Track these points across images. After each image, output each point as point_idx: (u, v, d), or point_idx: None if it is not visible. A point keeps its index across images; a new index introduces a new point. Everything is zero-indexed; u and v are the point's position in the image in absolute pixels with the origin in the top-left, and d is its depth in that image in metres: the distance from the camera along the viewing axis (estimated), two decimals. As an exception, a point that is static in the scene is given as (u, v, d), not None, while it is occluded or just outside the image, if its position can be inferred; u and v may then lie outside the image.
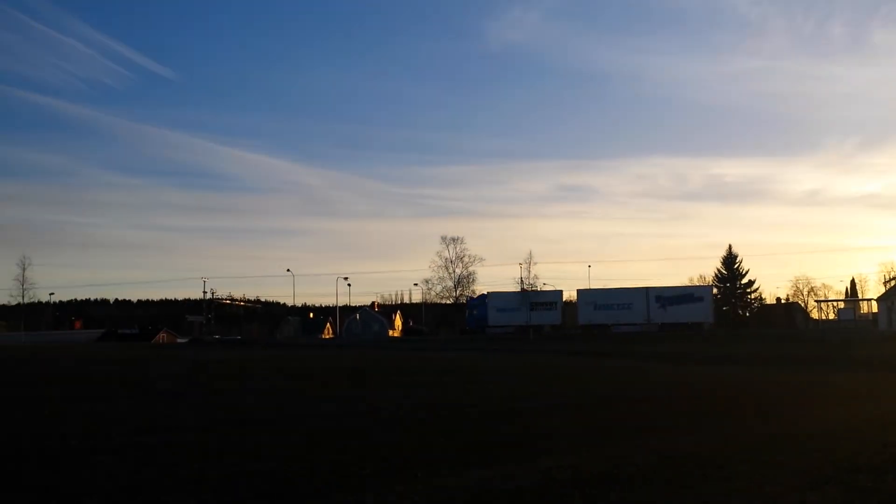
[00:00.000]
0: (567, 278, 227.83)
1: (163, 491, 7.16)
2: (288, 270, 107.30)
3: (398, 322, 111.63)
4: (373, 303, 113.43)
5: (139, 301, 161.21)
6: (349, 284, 76.91)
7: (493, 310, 75.10)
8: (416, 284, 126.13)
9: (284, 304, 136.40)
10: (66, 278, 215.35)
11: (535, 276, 77.89)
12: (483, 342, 59.14)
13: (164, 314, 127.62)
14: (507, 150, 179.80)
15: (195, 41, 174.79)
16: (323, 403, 15.41)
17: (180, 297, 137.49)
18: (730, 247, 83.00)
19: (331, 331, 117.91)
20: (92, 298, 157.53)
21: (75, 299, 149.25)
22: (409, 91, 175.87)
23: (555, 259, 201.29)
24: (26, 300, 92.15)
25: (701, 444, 9.98)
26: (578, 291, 75.94)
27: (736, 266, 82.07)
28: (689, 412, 13.74)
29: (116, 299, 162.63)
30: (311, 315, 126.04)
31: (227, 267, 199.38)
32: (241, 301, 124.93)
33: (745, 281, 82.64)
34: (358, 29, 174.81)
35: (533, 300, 71.82)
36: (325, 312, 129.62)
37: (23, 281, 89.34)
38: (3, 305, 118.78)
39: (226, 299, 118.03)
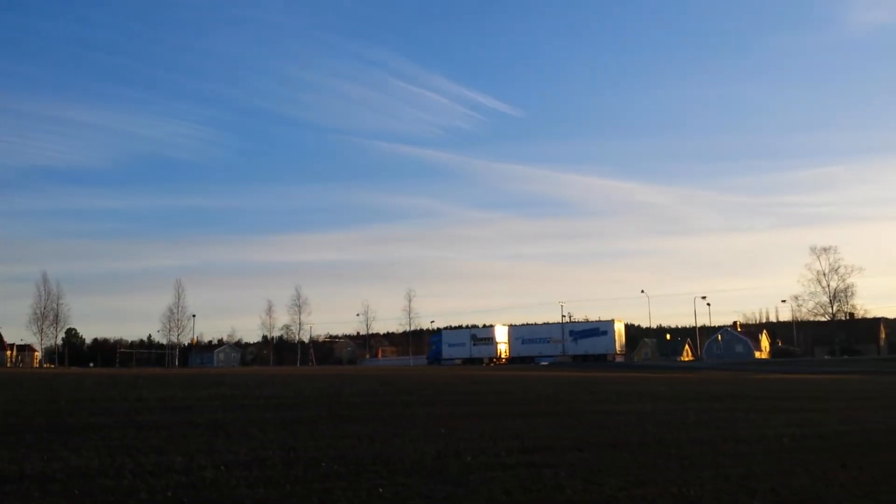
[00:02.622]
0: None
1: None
2: (642, 292, 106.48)
3: (765, 342, 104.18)
4: (734, 322, 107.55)
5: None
6: (708, 304, 74.33)
7: (445, 345, 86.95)
8: (783, 301, 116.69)
9: (640, 325, 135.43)
10: (442, 307, 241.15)
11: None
12: (865, 364, 52.34)
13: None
14: (878, 143, 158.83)
15: (534, 78, 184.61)
16: (695, 428, 14.94)
17: (540, 321, 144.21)
18: None
19: (689, 352, 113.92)
20: (464, 325, 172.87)
21: (450, 325, 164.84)
22: (756, 94, 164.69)
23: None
24: (412, 328, 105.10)
25: None
26: (510, 327, 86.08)
27: None
28: None
29: (484, 324, 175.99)
30: (668, 336, 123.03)
31: (583, 290, 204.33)
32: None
33: None
34: (696, 40, 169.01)
35: (475, 336, 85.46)
36: (682, 334, 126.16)
37: (409, 311, 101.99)
38: (393, 333, 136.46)
39: (582, 322, 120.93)
